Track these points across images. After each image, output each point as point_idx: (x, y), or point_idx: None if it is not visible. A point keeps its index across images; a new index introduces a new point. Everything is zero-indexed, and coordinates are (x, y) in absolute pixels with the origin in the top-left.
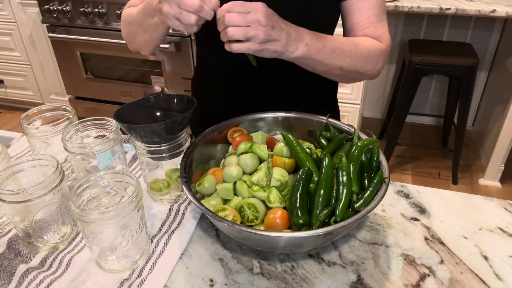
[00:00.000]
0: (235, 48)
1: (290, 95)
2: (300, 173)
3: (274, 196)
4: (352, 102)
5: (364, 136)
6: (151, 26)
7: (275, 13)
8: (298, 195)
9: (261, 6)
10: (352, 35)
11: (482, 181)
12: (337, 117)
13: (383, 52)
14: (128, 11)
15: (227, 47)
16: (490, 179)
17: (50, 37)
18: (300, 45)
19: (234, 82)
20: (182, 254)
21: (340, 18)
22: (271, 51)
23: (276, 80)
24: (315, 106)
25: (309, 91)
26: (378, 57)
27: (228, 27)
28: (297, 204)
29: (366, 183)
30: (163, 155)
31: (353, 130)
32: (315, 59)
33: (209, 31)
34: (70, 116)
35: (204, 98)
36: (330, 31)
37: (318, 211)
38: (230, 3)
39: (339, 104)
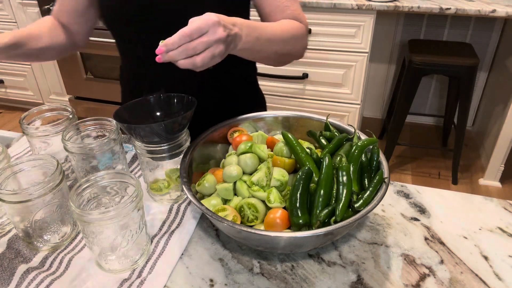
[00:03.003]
0: (200, 63)
1: (210, 85)
2: (300, 173)
3: (274, 196)
4: (352, 102)
5: (364, 136)
6: None
7: (221, 15)
8: (298, 195)
9: (213, 17)
10: (270, 21)
11: (482, 181)
12: (263, 105)
13: (305, 32)
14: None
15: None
16: (490, 179)
17: None
18: (241, 39)
19: (157, 77)
20: (182, 254)
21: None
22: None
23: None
24: (237, 92)
25: (229, 79)
26: (303, 37)
27: (193, 57)
28: (297, 204)
29: (366, 183)
30: (163, 155)
31: (353, 130)
32: (254, 49)
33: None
34: (70, 116)
35: (130, 93)
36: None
37: (318, 211)
38: (181, 33)
39: (339, 104)
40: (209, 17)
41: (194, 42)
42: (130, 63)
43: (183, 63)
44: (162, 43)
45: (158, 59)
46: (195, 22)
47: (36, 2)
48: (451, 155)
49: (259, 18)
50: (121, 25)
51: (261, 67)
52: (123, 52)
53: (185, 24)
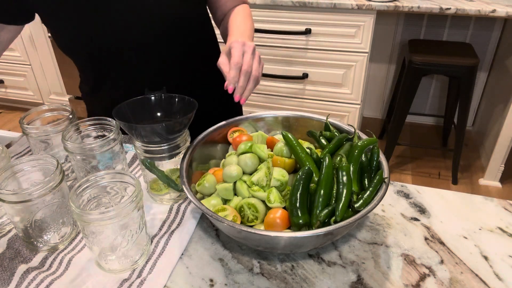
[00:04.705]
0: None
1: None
2: (300, 173)
3: (274, 196)
4: (352, 102)
5: (364, 136)
6: None
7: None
8: (298, 195)
9: (239, 40)
10: (221, 9)
11: (482, 181)
12: (239, 109)
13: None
14: None
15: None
16: (490, 179)
17: (50, 37)
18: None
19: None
20: (182, 254)
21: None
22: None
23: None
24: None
25: (203, 85)
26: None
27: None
28: (297, 204)
29: (366, 183)
30: (163, 155)
31: (353, 130)
32: None
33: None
34: (70, 116)
35: (93, 99)
36: (206, 20)
37: (318, 211)
38: (232, 65)
39: (339, 104)
40: (236, 41)
41: (244, 64)
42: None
43: (252, 88)
44: (227, 84)
45: (242, 102)
46: (235, 50)
47: None
48: (451, 155)
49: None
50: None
51: None
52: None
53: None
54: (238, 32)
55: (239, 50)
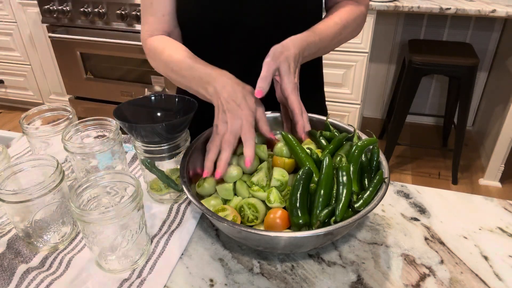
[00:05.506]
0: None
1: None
2: (300, 173)
3: (274, 196)
4: (352, 102)
5: (364, 136)
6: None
7: (292, 63)
8: (298, 195)
9: (292, 80)
10: (332, 2)
11: (482, 181)
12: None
13: (365, 15)
14: (169, 57)
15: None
16: (490, 179)
17: (50, 37)
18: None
19: None
20: (182, 254)
21: None
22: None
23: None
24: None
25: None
26: (362, 23)
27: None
28: (297, 204)
29: (366, 183)
30: (163, 155)
31: (353, 130)
32: (317, 53)
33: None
34: (70, 116)
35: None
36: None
37: (318, 211)
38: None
39: (339, 104)
40: (289, 83)
41: (303, 109)
42: None
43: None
44: (303, 131)
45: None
46: (294, 95)
47: (36, 2)
48: (451, 155)
49: None
50: (199, 39)
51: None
52: None
53: (265, 40)
54: (309, 36)
55: (296, 91)
